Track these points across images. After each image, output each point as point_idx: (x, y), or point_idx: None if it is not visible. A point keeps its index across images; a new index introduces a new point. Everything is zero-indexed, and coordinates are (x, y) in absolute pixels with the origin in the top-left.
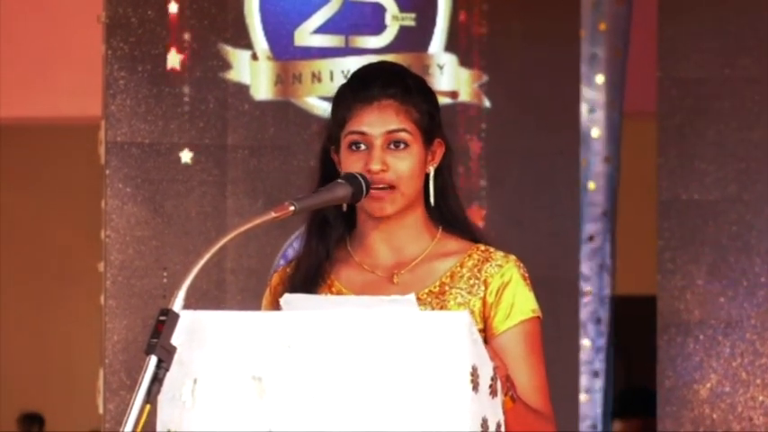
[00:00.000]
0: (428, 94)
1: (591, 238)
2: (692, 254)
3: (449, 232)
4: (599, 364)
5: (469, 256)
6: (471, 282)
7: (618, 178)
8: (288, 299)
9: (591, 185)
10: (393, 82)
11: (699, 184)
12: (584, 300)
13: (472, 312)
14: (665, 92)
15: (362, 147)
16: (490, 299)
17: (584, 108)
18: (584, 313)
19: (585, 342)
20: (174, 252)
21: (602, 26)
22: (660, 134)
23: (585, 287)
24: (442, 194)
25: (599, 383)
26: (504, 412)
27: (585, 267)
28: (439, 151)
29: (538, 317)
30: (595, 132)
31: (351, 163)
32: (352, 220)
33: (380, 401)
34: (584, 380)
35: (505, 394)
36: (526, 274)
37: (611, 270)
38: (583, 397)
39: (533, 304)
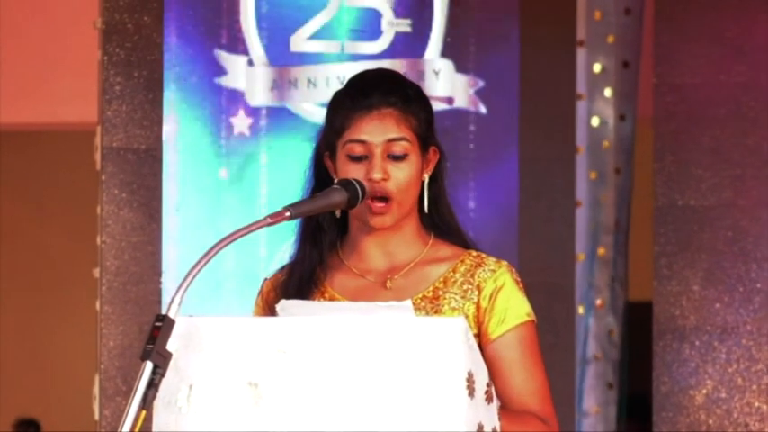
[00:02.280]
0: (426, 103)
1: (602, 250)
2: (688, 260)
3: (441, 239)
4: (612, 376)
5: (462, 261)
6: (465, 287)
7: (630, 190)
8: (284, 305)
9: (601, 197)
10: (393, 90)
11: (694, 189)
12: (597, 312)
13: (466, 317)
14: (660, 98)
15: (362, 156)
16: (484, 303)
17: (594, 121)
18: (598, 325)
19: (598, 354)
20: (169, 258)
21: (611, 38)
22: (656, 140)
23: (597, 299)
24: (435, 202)
25: (612, 395)
26: (500, 418)
27: (597, 279)
28: (433, 159)
29: (532, 320)
30: (605, 144)
31: (350, 171)
32: (343, 224)
33: (376, 407)
34: (598, 392)
35: None
36: (518, 279)
37: (624, 282)
38: (596, 409)
39: (527, 308)
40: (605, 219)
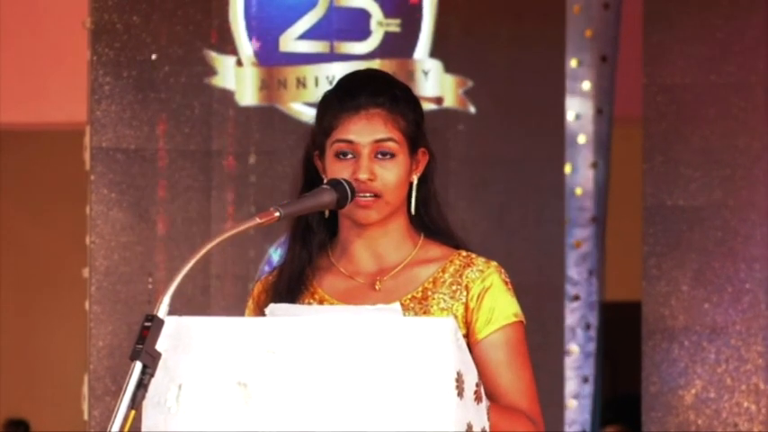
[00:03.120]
0: (414, 104)
1: (579, 244)
2: (678, 260)
3: (430, 239)
4: (588, 370)
5: (451, 261)
6: (453, 287)
7: (607, 184)
8: (273, 308)
9: (578, 191)
10: (381, 91)
11: (684, 189)
12: (573, 305)
13: (455, 317)
14: (650, 98)
15: (350, 155)
16: (472, 304)
17: (570, 115)
18: (573, 319)
19: (574, 347)
20: (159, 258)
21: (588, 33)
22: (645, 140)
23: (574, 292)
24: (425, 203)
25: (588, 389)
26: (489, 418)
27: (574, 273)
28: (423, 160)
29: (521, 321)
30: (581, 139)
31: (337, 171)
32: (333, 226)
33: (366, 407)
34: (573, 385)
35: None
36: (507, 280)
37: (601, 275)
38: (572, 403)
39: (515, 308)
40: (582, 213)
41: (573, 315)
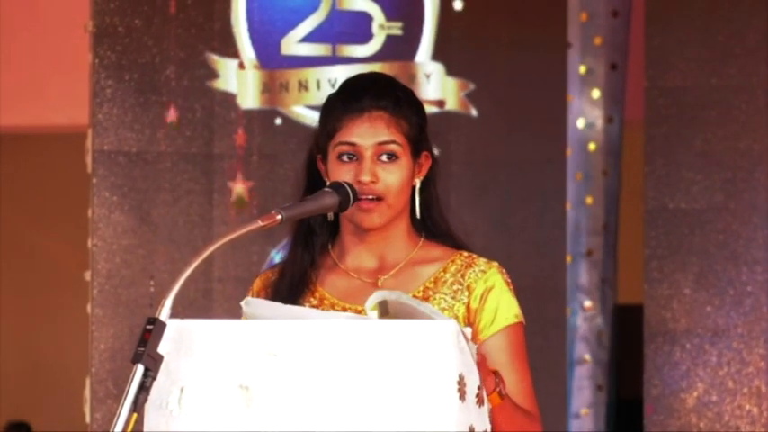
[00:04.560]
0: (417, 107)
1: (591, 252)
2: (679, 263)
3: (431, 241)
4: (602, 378)
5: (453, 261)
6: (455, 287)
7: (618, 191)
8: (249, 301)
9: (589, 199)
10: (384, 94)
11: (685, 192)
12: (586, 314)
13: (456, 318)
14: (652, 101)
15: (352, 158)
16: (474, 304)
17: (580, 122)
18: (586, 327)
19: (587, 357)
20: (160, 261)
21: (598, 40)
22: (647, 143)
23: (586, 301)
24: (428, 207)
25: (602, 397)
26: (492, 408)
27: (586, 281)
28: (426, 164)
29: (521, 322)
30: (592, 146)
31: (340, 174)
32: (335, 227)
33: (368, 410)
34: (587, 394)
35: (493, 390)
36: (509, 280)
37: (613, 283)
38: (586, 411)
39: (516, 309)
40: (593, 220)
41: (586, 324)
